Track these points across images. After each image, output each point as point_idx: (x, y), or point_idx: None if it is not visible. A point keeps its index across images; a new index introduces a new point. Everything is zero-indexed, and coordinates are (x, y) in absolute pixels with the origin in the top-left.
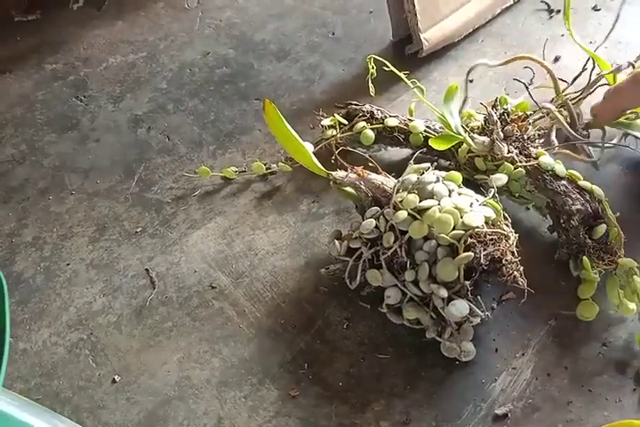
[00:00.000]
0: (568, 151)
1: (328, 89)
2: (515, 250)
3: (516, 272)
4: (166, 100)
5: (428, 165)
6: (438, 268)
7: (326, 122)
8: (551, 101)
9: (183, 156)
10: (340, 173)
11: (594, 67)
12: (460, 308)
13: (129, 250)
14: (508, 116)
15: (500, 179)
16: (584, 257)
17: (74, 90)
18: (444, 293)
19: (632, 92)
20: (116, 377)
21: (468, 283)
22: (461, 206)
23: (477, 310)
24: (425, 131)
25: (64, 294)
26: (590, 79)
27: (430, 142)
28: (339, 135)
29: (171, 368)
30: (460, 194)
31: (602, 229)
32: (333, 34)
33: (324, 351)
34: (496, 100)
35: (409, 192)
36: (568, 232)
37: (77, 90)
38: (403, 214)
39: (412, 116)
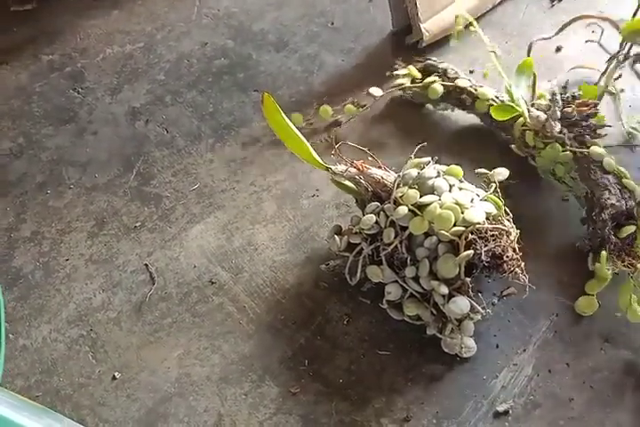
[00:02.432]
0: None
1: (327, 80)
2: (516, 246)
3: (517, 268)
4: (164, 91)
5: (429, 159)
6: (439, 264)
7: (400, 72)
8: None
9: (182, 149)
10: (339, 167)
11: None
12: (460, 305)
13: (128, 245)
14: (575, 99)
15: (500, 173)
16: (603, 252)
17: (71, 81)
18: (444, 290)
19: None
20: (116, 374)
21: (468, 280)
22: (462, 202)
23: (478, 307)
24: (492, 99)
25: (63, 290)
26: None
27: (491, 110)
28: (408, 85)
29: (171, 365)
30: (460, 189)
31: (629, 229)
32: (332, 24)
33: (324, 348)
34: (566, 82)
35: (409, 187)
36: (596, 224)
37: (74, 81)
38: (403, 210)
39: (486, 78)
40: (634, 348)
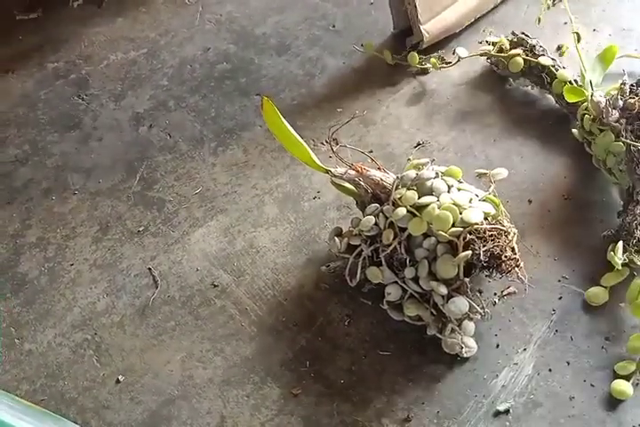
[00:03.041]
0: None
1: (329, 83)
2: (515, 246)
3: (516, 268)
4: (167, 97)
5: (427, 160)
6: (438, 265)
7: (491, 39)
8: None
9: (185, 153)
10: (339, 170)
11: None
12: (459, 305)
13: (132, 249)
14: None
15: (499, 173)
16: (620, 242)
17: (75, 88)
18: (443, 290)
19: None
20: (120, 377)
21: (467, 280)
22: (460, 203)
23: (477, 307)
24: (569, 82)
25: (68, 295)
26: None
27: (564, 90)
28: (493, 52)
29: (174, 368)
30: (459, 189)
31: None
32: (334, 26)
33: (325, 349)
34: None
35: (408, 188)
36: (627, 217)
37: (79, 88)
38: (402, 211)
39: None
40: None
